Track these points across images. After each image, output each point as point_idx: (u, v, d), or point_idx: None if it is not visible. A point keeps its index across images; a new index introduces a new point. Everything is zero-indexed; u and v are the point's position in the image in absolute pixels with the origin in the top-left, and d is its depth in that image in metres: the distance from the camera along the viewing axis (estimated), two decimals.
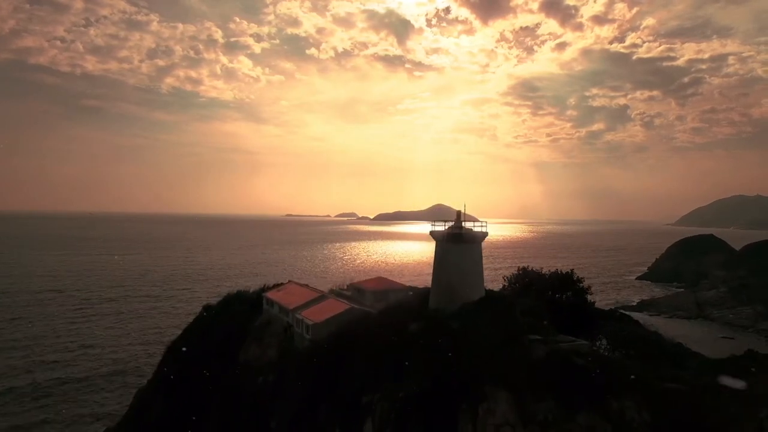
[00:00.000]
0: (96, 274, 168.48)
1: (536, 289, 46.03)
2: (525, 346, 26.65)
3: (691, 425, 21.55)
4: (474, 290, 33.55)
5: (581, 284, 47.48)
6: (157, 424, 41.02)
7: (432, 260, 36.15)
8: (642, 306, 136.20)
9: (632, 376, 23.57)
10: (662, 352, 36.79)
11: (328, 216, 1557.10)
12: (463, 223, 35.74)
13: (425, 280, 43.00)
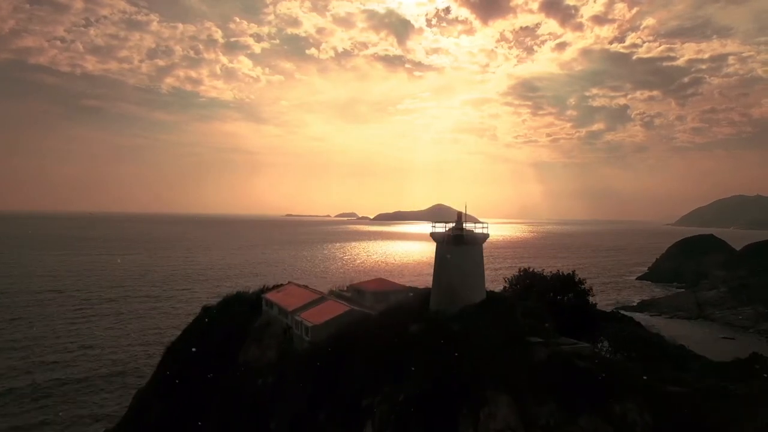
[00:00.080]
0: (96, 274, 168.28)
1: (537, 290, 45.78)
2: (526, 349, 26.45)
3: (693, 428, 21.40)
4: (475, 292, 33.33)
5: (583, 286, 47.29)
6: (156, 426, 40.86)
7: (432, 261, 35.94)
8: (642, 306, 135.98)
9: (634, 379, 23.38)
10: (664, 354, 36.61)
11: (328, 216, 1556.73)
12: (464, 224, 35.50)
13: (425, 281, 42.85)
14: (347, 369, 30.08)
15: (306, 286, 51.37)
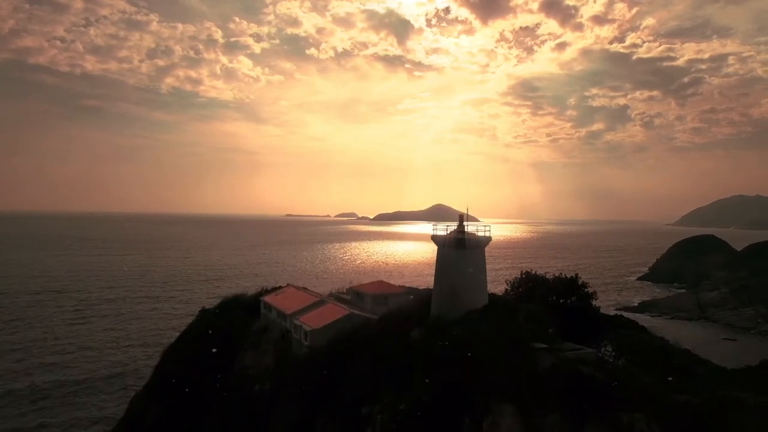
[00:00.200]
0: (95, 274, 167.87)
1: (540, 293, 45.36)
2: (530, 356, 25.94)
3: None
4: (477, 297, 32.78)
5: (586, 289, 46.82)
6: (153, 429, 40.40)
7: (432, 261, 35.37)
8: (643, 307, 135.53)
9: (641, 387, 22.84)
10: (668, 359, 36.11)
11: (328, 216, 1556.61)
12: (466, 226, 34.89)
13: (425, 281, 42.43)
14: (347, 375, 29.57)
15: (305, 288, 50.89)
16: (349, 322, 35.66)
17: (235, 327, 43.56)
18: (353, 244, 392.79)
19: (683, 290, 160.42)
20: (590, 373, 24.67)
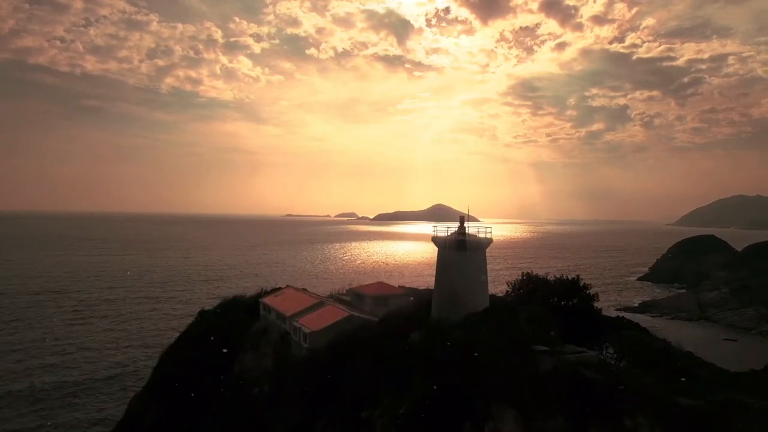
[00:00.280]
0: (95, 274, 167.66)
1: (541, 295, 45.14)
2: (532, 359, 25.73)
3: None
4: (478, 299, 32.54)
5: (587, 291, 46.60)
6: (152, 430, 40.20)
7: (432, 261, 35.13)
8: (643, 307, 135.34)
9: (645, 391, 22.64)
10: (671, 361, 35.90)
11: (328, 216, 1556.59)
12: (466, 227, 34.63)
13: (425, 281, 42.23)
14: (347, 377, 29.36)
15: (305, 290, 50.73)
16: (349, 324, 35.41)
17: (234, 329, 43.35)
18: (353, 244, 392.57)
19: (683, 290, 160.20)
20: (592, 375, 24.46)
